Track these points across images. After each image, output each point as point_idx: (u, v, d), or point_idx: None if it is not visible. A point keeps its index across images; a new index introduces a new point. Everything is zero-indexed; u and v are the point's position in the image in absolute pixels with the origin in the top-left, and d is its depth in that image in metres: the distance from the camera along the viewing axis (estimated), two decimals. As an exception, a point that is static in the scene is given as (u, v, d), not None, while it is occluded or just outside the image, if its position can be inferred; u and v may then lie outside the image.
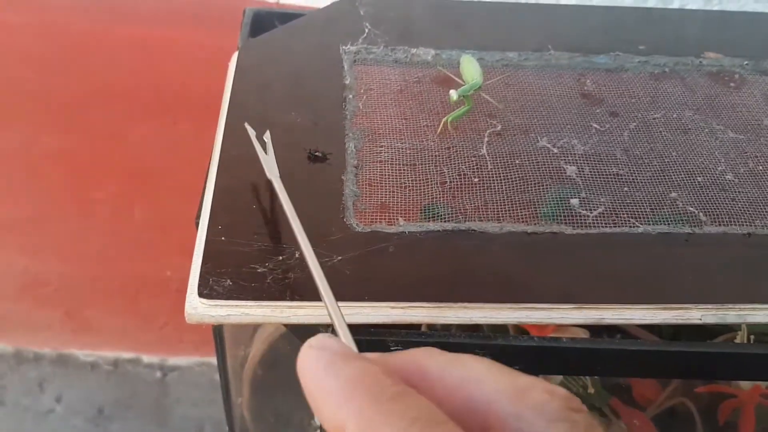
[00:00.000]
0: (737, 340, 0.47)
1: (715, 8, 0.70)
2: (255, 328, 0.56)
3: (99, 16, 0.80)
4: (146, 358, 1.13)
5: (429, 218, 0.39)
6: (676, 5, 0.69)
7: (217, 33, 0.78)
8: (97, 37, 0.81)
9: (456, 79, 0.46)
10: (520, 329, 0.45)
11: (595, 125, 0.45)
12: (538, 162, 0.43)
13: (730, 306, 0.36)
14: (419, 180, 0.41)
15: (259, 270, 0.35)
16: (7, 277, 1.05)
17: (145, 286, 1.04)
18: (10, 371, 1.14)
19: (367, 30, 0.50)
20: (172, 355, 1.13)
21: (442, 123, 0.43)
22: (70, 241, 1.00)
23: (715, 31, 0.56)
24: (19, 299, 1.08)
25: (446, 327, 0.45)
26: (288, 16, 0.54)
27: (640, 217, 0.40)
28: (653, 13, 0.59)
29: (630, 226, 0.39)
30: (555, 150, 0.43)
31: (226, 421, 0.56)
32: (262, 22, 0.54)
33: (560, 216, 0.39)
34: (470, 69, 0.45)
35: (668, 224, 0.39)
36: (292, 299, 0.34)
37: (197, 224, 0.39)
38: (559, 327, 0.42)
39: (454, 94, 0.43)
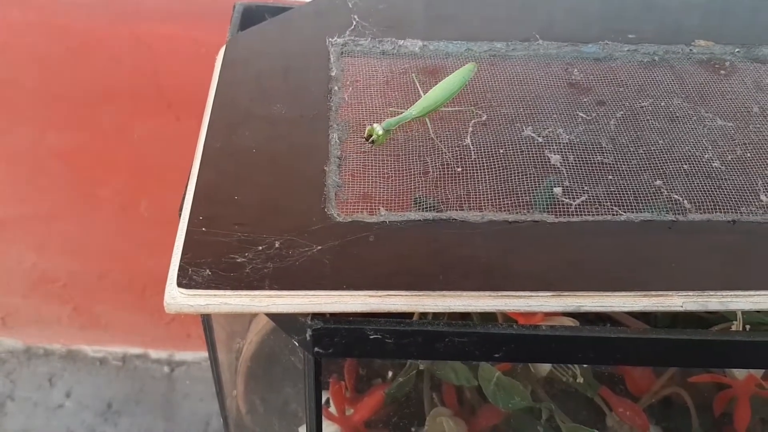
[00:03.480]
0: (733, 330, 0.47)
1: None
2: (250, 320, 0.57)
3: (100, 15, 0.81)
4: (154, 354, 1.14)
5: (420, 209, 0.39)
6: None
7: (217, 29, 0.78)
8: (99, 36, 0.82)
9: (419, 89, 0.45)
10: (510, 318, 0.45)
11: (582, 114, 0.45)
12: (522, 151, 0.42)
13: (712, 293, 0.35)
14: (402, 170, 0.41)
15: (238, 260, 0.35)
16: (17, 274, 1.06)
17: (152, 281, 1.04)
18: (20, 366, 1.15)
19: (355, 22, 0.50)
20: (180, 350, 1.14)
21: (367, 130, 0.41)
22: (77, 237, 1.01)
23: (710, 18, 0.55)
24: (29, 295, 1.09)
25: (437, 316, 0.45)
26: (278, 10, 0.54)
27: (623, 206, 0.39)
28: (648, 1, 0.59)
29: (613, 215, 0.39)
30: (540, 139, 0.43)
31: (220, 413, 0.57)
32: (252, 16, 0.54)
33: (543, 205, 0.39)
34: (437, 93, 0.43)
35: (652, 212, 0.39)
36: (271, 288, 0.34)
37: (180, 215, 0.39)
38: (547, 316, 0.42)
39: (378, 128, 0.40)
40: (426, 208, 0.39)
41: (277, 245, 0.36)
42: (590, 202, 0.40)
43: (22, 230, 1.01)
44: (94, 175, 0.95)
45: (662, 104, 0.46)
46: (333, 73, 0.47)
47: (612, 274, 0.36)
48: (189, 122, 0.87)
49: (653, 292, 0.35)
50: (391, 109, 0.44)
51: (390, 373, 0.53)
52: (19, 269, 1.05)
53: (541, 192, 0.40)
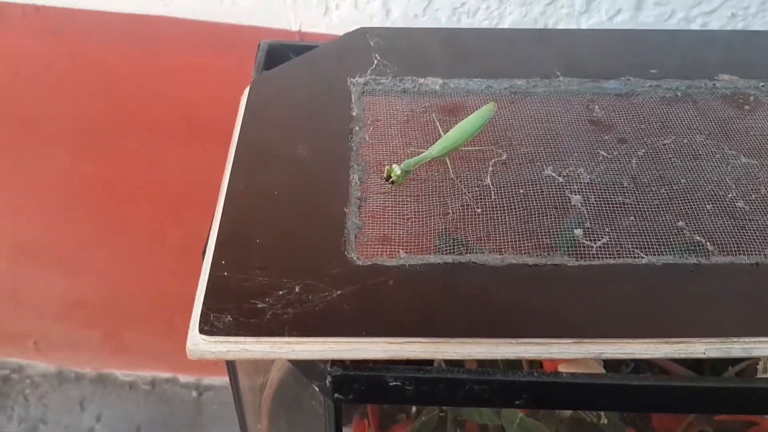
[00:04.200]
0: (759, 368, 0.46)
1: (739, 26, 0.68)
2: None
3: (127, 46, 0.82)
4: (183, 378, 1.15)
5: (444, 247, 0.39)
6: (697, 25, 0.68)
7: (243, 59, 0.79)
8: (127, 66, 0.83)
9: (439, 128, 0.45)
10: (536, 363, 0.45)
11: (603, 153, 0.45)
12: (542, 191, 0.42)
13: (735, 339, 0.35)
14: (422, 211, 0.41)
15: (259, 305, 0.36)
16: (48, 299, 1.08)
17: (180, 307, 1.05)
18: (52, 390, 1.17)
19: (376, 61, 0.51)
20: (208, 374, 1.14)
21: (386, 171, 0.41)
22: (107, 264, 1.03)
23: (734, 51, 0.55)
24: (60, 320, 1.11)
25: (458, 362, 0.44)
26: (302, 49, 0.55)
27: (645, 248, 0.39)
28: (671, 35, 0.59)
29: (634, 257, 0.39)
30: (560, 179, 0.43)
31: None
32: (277, 55, 0.55)
33: (564, 247, 0.39)
34: (457, 132, 0.43)
35: (674, 255, 0.39)
36: (291, 335, 0.35)
37: (203, 257, 0.40)
38: (573, 360, 0.42)
39: (397, 168, 0.40)
40: (451, 245, 0.39)
41: (297, 290, 0.36)
42: (611, 244, 0.39)
43: (53, 257, 1.03)
44: (124, 203, 0.96)
45: (685, 141, 0.46)
46: (354, 113, 0.47)
47: (633, 319, 0.36)
48: (215, 151, 0.88)
49: (675, 339, 0.35)
50: (411, 148, 0.45)
51: (414, 409, 0.53)
52: (51, 294, 1.07)
53: (561, 234, 0.40)
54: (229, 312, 0.35)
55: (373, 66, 0.51)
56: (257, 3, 0.75)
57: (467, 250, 0.39)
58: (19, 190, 0.95)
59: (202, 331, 0.35)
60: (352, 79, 0.49)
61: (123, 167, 0.92)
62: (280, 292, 0.36)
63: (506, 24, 0.71)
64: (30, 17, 0.81)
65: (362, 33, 0.54)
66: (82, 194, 0.95)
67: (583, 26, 0.71)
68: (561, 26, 0.71)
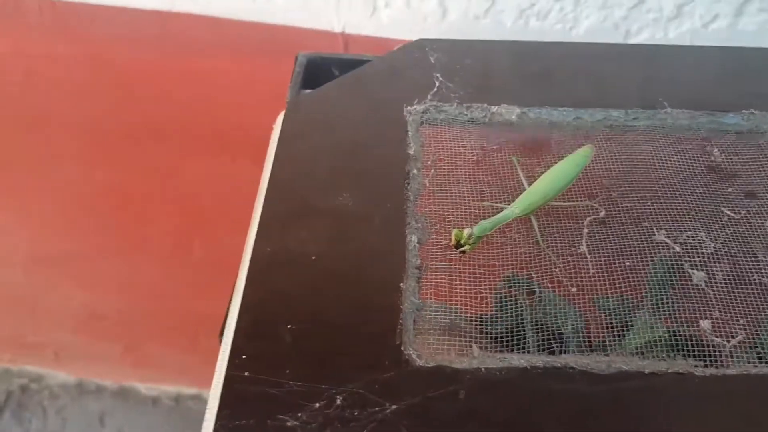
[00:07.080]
0: None
1: None
2: None
3: (151, 48, 0.75)
4: (208, 395, 1.08)
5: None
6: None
7: (277, 64, 0.71)
8: (149, 70, 0.76)
9: (522, 178, 0.36)
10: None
11: (727, 211, 0.35)
12: (655, 264, 0.33)
13: None
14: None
15: (288, 423, 0.27)
16: (66, 310, 1.03)
17: (204, 323, 0.98)
18: (71, 402, 1.12)
19: (437, 83, 0.42)
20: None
21: (454, 235, 0.33)
22: (126, 276, 0.97)
23: None
24: (79, 331, 1.06)
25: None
26: (347, 63, 0.46)
27: (796, 350, 0.30)
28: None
29: (783, 364, 0.29)
30: (676, 247, 0.34)
31: None
32: (318, 70, 0.46)
33: (687, 346, 0.30)
34: (545, 185, 0.35)
35: (837, 361, 0.29)
36: (329, 470, 0.26)
37: (220, 340, 0.32)
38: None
39: (468, 232, 0.32)
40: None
41: (338, 401, 0.28)
42: (750, 343, 0.30)
43: (69, 268, 0.97)
44: (143, 213, 0.90)
45: (833, 197, 0.36)
46: (411, 151, 0.38)
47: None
48: (245, 163, 0.81)
49: None
50: (485, 202, 0.36)
51: None
52: (69, 305, 1.02)
53: (682, 326, 0.30)
54: (248, 431, 0.27)
55: (435, 89, 0.41)
56: (294, 0, 0.66)
57: (561, 345, 0.30)
58: (33, 198, 0.89)
59: (212, 460, 0.26)
60: (408, 108, 0.40)
61: (143, 176, 0.86)
62: (317, 405, 0.27)
63: (582, 29, 0.61)
64: (46, 14, 0.74)
65: (420, 46, 0.44)
66: (98, 203, 0.89)
67: (671, 34, 0.61)
68: (645, 33, 0.61)
